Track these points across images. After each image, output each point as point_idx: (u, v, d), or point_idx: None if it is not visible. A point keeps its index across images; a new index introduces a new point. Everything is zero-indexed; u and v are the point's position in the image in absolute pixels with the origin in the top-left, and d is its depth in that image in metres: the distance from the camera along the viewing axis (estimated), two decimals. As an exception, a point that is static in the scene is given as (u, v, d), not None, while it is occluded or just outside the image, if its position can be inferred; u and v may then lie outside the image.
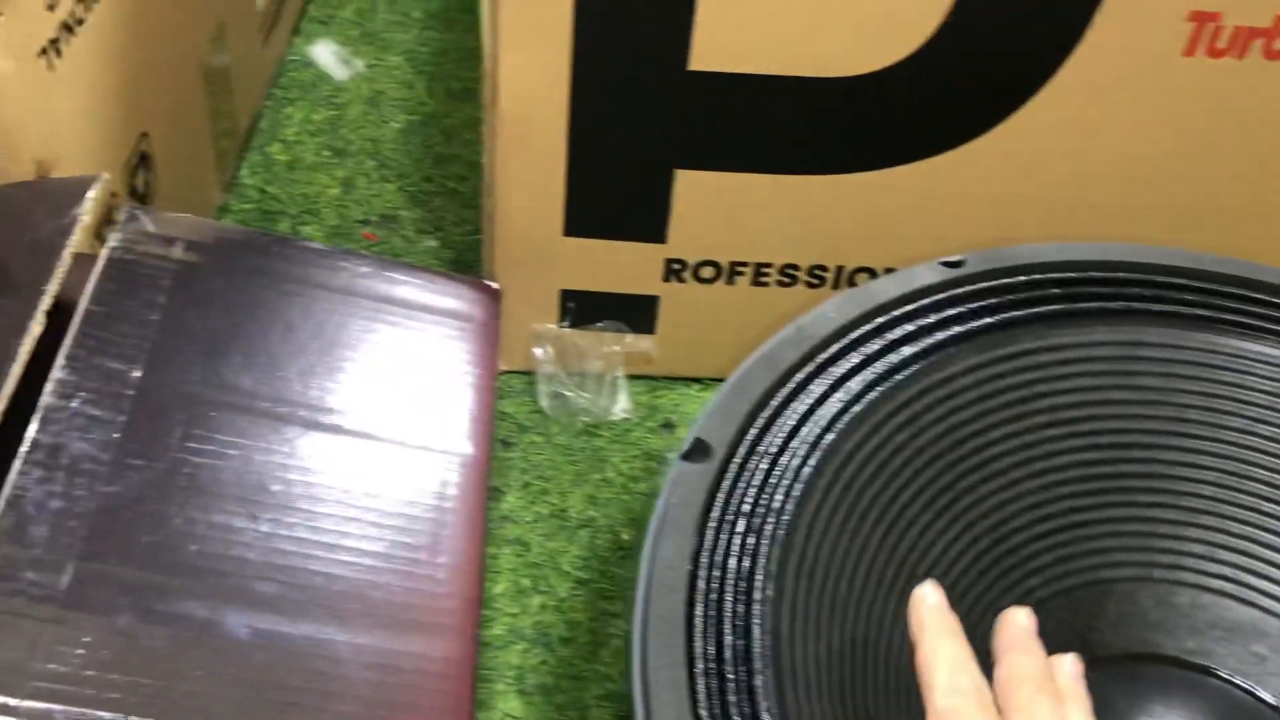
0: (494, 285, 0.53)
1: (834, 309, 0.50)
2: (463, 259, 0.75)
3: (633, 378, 0.71)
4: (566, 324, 0.68)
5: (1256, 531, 0.50)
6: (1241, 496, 0.51)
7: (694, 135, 0.60)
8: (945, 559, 0.48)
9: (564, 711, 0.57)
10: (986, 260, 0.53)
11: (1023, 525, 0.49)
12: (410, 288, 0.51)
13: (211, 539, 0.41)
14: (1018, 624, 0.38)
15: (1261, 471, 0.51)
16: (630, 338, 0.70)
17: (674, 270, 0.66)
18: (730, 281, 0.67)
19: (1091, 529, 0.50)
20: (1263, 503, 0.51)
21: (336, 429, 0.45)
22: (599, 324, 0.69)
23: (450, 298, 0.51)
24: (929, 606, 0.38)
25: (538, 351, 0.68)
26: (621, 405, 0.70)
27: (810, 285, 0.67)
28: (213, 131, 0.75)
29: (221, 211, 0.77)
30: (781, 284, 0.67)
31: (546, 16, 0.55)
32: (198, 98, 0.72)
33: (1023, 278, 0.52)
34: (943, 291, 0.51)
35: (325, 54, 0.88)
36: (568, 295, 0.67)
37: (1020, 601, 0.50)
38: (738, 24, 0.56)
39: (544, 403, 0.69)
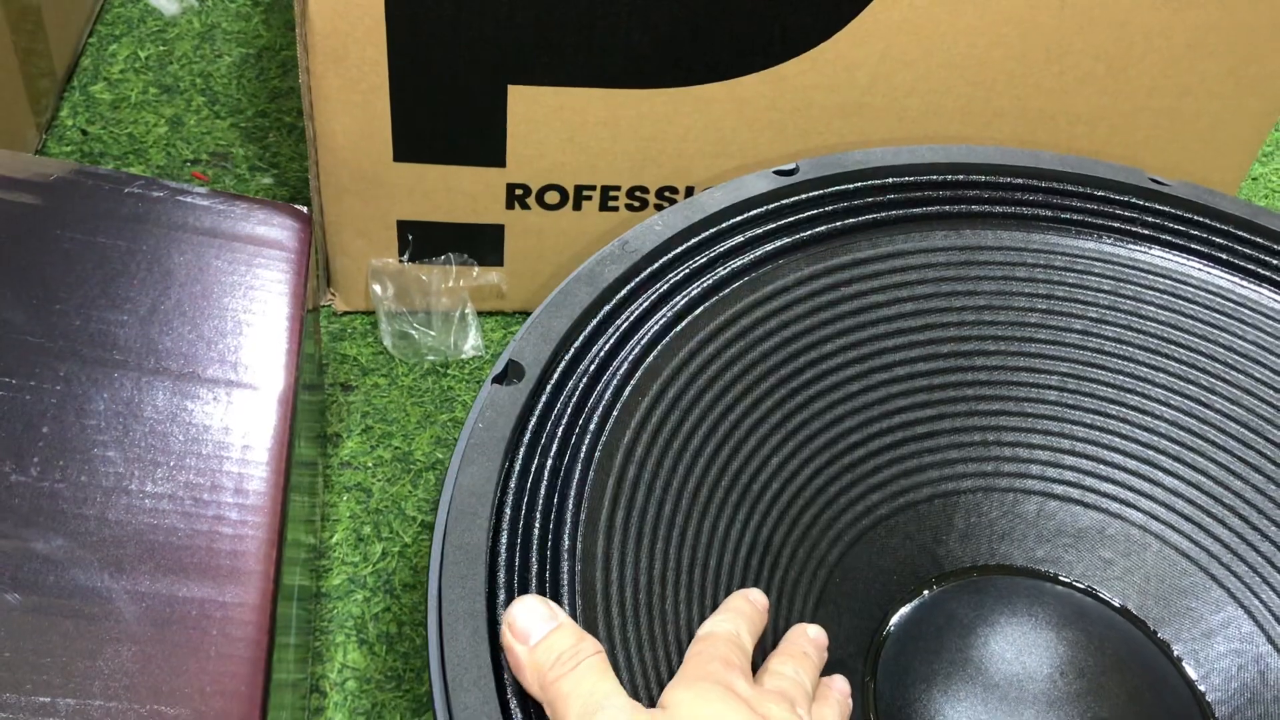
0: (304, 210, 0.49)
1: (660, 222, 0.48)
2: (300, 197, 0.71)
3: (484, 314, 0.68)
4: (406, 258, 0.65)
5: (1100, 434, 0.49)
6: (1084, 400, 0.49)
7: (524, 47, 0.57)
8: (780, 476, 0.45)
9: (408, 660, 0.54)
10: (820, 167, 0.50)
11: (862, 440, 0.48)
12: (208, 213, 0.47)
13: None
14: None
15: (1104, 373, 0.49)
16: (477, 271, 0.66)
17: (517, 196, 0.63)
18: (577, 207, 0.64)
19: (934, 440, 0.49)
20: (1106, 404, 0.49)
21: (119, 364, 0.42)
22: (442, 257, 0.65)
23: (253, 223, 0.48)
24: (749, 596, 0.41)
25: (376, 288, 0.65)
26: (472, 343, 0.67)
27: (661, 208, 0.64)
28: (24, 71, 0.70)
29: (39, 155, 0.72)
30: (631, 208, 0.64)
31: (349, -81, 0.52)
32: (2, 35, 0.67)
33: (857, 184, 0.50)
34: (774, 200, 0.49)
35: (155, -13, 0.83)
36: (405, 227, 0.64)
37: (862, 518, 0.48)
38: (557, -75, 0.52)
39: (388, 343, 0.66)
